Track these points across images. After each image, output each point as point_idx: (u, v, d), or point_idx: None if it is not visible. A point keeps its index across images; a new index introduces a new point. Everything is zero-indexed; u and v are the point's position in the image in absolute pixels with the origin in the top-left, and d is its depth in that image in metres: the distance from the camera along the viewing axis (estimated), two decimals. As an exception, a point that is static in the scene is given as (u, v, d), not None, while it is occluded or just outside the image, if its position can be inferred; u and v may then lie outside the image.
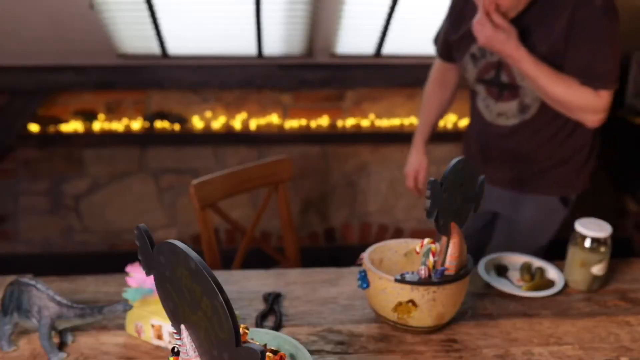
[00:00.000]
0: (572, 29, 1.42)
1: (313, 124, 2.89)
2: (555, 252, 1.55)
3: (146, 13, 2.33)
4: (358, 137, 2.91)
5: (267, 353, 0.81)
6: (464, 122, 2.96)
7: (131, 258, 0.93)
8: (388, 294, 1.04)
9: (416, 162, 1.86)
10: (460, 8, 1.60)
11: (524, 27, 1.45)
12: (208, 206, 1.64)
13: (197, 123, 2.83)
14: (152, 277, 0.67)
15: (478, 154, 1.72)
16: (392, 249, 1.20)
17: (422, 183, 1.83)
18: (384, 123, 2.90)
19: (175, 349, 0.72)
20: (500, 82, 1.57)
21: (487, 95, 1.62)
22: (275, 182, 1.81)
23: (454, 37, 1.63)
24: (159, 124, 2.78)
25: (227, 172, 1.71)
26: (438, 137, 2.90)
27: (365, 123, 2.91)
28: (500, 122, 1.62)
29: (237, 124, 2.84)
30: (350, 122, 2.91)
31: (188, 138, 2.81)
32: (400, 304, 1.04)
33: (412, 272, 1.05)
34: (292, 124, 2.88)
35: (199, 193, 1.60)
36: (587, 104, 1.45)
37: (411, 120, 2.93)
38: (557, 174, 1.65)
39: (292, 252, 1.86)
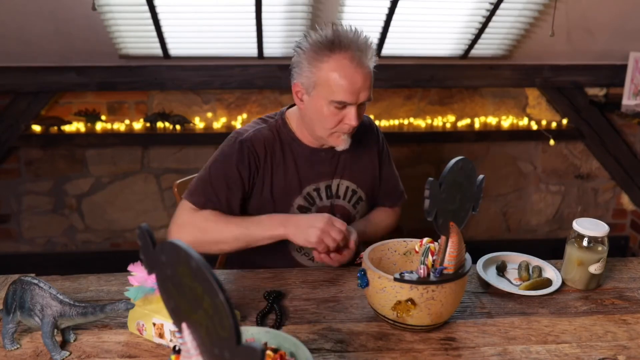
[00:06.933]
0: (381, 156, 1.58)
1: (314, 124, 2.90)
2: (553, 251, 1.56)
3: (148, 14, 2.34)
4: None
5: (267, 351, 0.82)
6: (463, 122, 2.96)
7: (133, 257, 0.95)
8: (387, 292, 1.05)
9: None
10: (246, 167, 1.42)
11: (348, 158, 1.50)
12: None
13: (199, 123, 2.85)
14: (153, 276, 0.68)
15: None
16: (392, 248, 1.22)
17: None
18: (384, 124, 2.90)
19: (177, 348, 0.73)
20: None
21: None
22: None
23: (262, 197, 1.44)
24: (161, 125, 2.79)
25: None
26: (437, 137, 2.92)
27: (365, 123, 2.91)
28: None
29: (238, 124, 2.85)
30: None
31: (189, 138, 2.82)
32: (399, 302, 1.04)
33: (411, 271, 1.06)
34: (292, 124, 2.88)
35: (182, 192, 1.62)
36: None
37: (410, 121, 2.94)
38: None
39: None
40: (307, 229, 1.28)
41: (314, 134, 1.42)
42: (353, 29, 1.33)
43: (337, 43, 1.29)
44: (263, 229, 1.33)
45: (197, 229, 1.36)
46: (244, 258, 1.48)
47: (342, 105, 1.33)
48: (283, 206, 1.44)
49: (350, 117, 1.34)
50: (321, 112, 1.35)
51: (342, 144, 1.40)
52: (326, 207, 1.48)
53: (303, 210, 1.46)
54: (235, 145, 1.41)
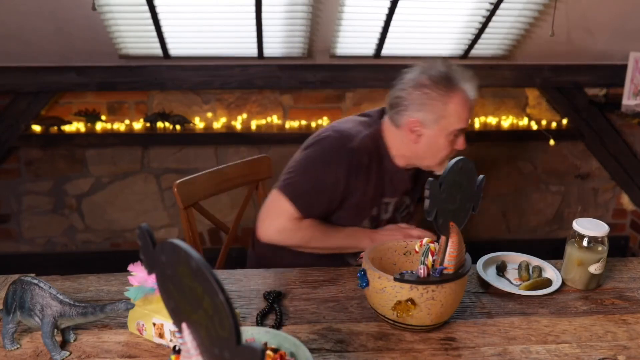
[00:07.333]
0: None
1: (313, 124, 2.90)
2: (553, 251, 1.56)
3: (148, 14, 2.34)
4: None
5: (268, 351, 0.82)
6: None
7: (133, 257, 0.95)
8: (387, 292, 1.05)
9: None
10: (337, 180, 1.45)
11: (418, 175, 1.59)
12: (191, 205, 1.67)
13: (198, 123, 2.85)
14: (153, 276, 0.68)
15: None
16: (392, 248, 1.22)
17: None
18: (385, 123, 2.90)
19: (177, 348, 0.73)
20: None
21: None
22: (255, 181, 1.85)
23: (346, 204, 1.49)
24: (161, 125, 2.79)
25: (209, 171, 1.73)
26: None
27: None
28: None
29: (237, 124, 2.85)
30: (350, 122, 2.92)
31: (189, 138, 2.82)
32: (399, 302, 1.04)
33: (411, 271, 1.06)
34: (292, 124, 2.89)
35: (182, 192, 1.62)
36: None
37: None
38: None
39: None
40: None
41: (421, 163, 1.50)
42: (453, 64, 1.44)
43: (456, 78, 1.41)
44: (355, 241, 1.47)
45: (298, 238, 1.45)
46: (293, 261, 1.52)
47: (458, 133, 1.44)
48: (360, 215, 1.51)
49: (461, 143, 1.47)
50: (439, 143, 1.44)
51: (444, 169, 1.48)
52: (387, 220, 1.56)
53: (372, 220, 1.53)
54: (346, 152, 1.43)
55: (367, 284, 1.08)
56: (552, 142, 2.96)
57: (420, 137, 1.44)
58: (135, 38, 2.52)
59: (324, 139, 1.46)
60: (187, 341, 0.66)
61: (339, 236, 1.47)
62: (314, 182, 1.43)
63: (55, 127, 2.73)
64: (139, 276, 1.08)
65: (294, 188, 1.43)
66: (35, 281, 1.00)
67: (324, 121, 2.91)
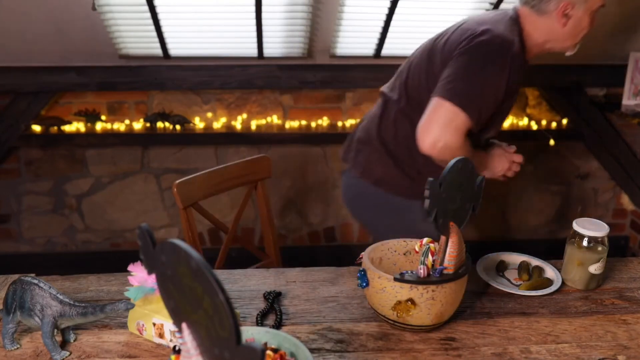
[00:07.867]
0: None
1: (313, 124, 2.90)
2: (553, 251, 1.56)
3: (148, 14, 2.34)
4: (358, 137, 2.91)
5: (267, 351, 0.82)
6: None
7: (133, 257, 0.95)
8: (387, 292, 1.05)
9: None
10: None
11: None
12: (191, 205, 1.67)
13: (199, 123, 2.85)
14: (153, 276, 0.68)
15: None
16: (392, 248, 1.21)
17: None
18: (385, 123, 2.90)
19: (177, 348, 0.73)
20: None
21: None
22: (255, 181, 1.85)
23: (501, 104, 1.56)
24: (161, 125, 2.79)
25: (209, 171, 1.73)
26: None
27: (365, 123, 2.91)
28: None
29: (237, 124, 2.85)
30: (350, 122, 2.92)
31: (189, 138, 2.82)
32: (399, 302, 1.04)
33: (411, 271, 1.06)
34: (292, 124, 2.89)
35: (181, 192, 1.62)
36: None
37: (411, 121, 2.93)
38: None
39: (271, 250, 1.90)
40: (497, 171, 1.67)
41: (561, 46, 1.55)
42: None
43: None
44: (480, 167, 1.59)
45: (456, 155, 1.48)
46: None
47: (597, 11, 1.49)
48: (498, 126, 1.59)
49: (594, 21, 1.51)
50: (583, 22, 1.49)
51: (576, 50, 1.58)
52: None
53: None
54: (510, 59, 1.44)
55: (367, 284, 1.08)
56: (552, 142, 2.96)
57: (569, 19, 1.48)
58: (135, 38, 2.52)
59: (484, 44, 1.43)
60: (187, 341, 0.65)
61: (477, 159, 1.53)
62: (481, 87, 1.42)
63: (55, 127, 2.73)
64: (139, 276, 1.08)
65: (462, 94, 1.41)
66: (35, 281, 1.00)
67: (324, 121, 2.91)
